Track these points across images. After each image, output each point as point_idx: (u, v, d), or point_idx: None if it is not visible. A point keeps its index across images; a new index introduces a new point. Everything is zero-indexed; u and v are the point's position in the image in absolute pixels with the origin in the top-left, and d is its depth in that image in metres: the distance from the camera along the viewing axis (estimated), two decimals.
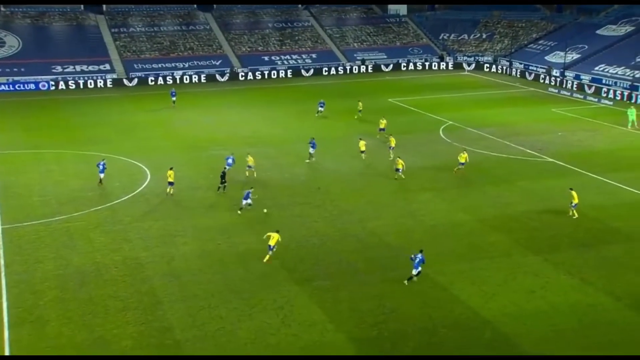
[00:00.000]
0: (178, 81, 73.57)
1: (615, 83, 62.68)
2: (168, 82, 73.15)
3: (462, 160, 39.47)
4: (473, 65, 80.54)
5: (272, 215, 33.49)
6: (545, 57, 74.97)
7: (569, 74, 68.21)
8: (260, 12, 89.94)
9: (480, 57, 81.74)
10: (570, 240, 29.80)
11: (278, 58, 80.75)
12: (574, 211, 32.17)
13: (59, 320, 23.60)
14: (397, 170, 38.78)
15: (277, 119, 55.91)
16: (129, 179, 39.09)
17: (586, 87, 64.87)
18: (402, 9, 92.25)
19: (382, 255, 28.78)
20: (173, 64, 77.21)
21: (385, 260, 28.34)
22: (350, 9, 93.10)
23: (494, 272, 26.89)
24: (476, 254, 28.60)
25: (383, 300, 24.90)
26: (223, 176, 36.80)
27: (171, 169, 36.52)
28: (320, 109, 55.59)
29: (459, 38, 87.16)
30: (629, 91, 60.17)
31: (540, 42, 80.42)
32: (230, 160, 39.48)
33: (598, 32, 75.54)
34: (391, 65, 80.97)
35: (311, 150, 42.45)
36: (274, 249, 27.92)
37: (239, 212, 33.31)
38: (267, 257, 27.94)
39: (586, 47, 72.89)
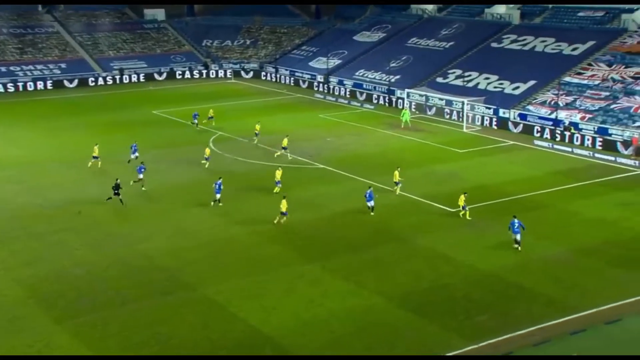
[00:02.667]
0: None
1: (375, 88, 68.37)
2: None
3: (397, 180, 38.95)
4: (239, 73, 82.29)
5: (24, 247, 30.86)
6: (309, 63, 79.21)
7: (333, 80, 72.91)
8: None
9: (246, 64, 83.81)
10: (344, 245, 31.71)
11: (19, 69, 74.72)
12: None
13: None
14: (277, 182, 38.56)
15: (23, 138, 51.77)
16: None
17: (349, 92, 69.85)
18: (160, 14, 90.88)
19: (155, 279, 28.05)
20: None
21: (159, 284, 27.66)
22: (101, 13, 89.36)
23: (274, 285, 27.63)
24: (255, 268, 29.15)
25: (158, 327, 24.23)
26: (116, 187, 36.11)
27: None
28: (195, 120, 54.54)
29: (223, 44, 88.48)
30: (387, 95, 66.02)
31: (303, 48, 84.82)
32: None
33: (355, 38, 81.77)
34: (153, 74, 79.48)
35: (140, 175, 39.38)
36: (287, 215, 33.08)
37: (212, 203, 36.22)
38: (277, 218, 33.12)
39: (346, 52, 78.49)
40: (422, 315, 25.32)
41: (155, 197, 38.33)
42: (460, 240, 32.19)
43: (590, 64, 59.47)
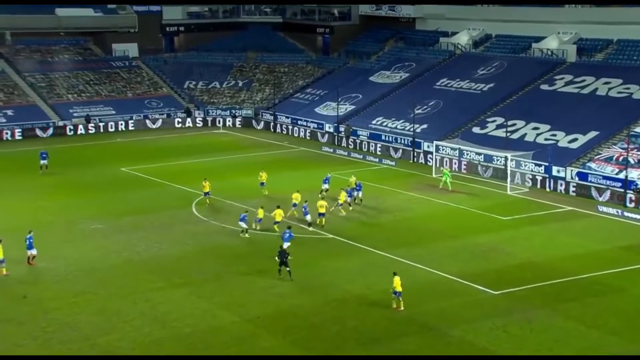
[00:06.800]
0: None
1: (396, 139, 68.95)
2: None
3: (341, 201, 46.94)
4: (229, 121, 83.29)
5: None
6: (315, 109, 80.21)
7: (345, 129, 73.64)
8: None
9: (237, 110, 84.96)
10: (358, 336, 31.45)
11: None
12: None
13: None
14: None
15: None
16: None
17: (365, 145, 70.43)
18: (132, 49, 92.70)
19: None
20: None
21: None
22: (58, 49, 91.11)
23: None
24: None
25: None
26: (283, 254, 37.50)
27: None
28: (325, 186, 52.99)
29: (210, 87, 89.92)
30: (411, 148, 66.51)
31: (308, 90, 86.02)
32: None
33: (371, 78, 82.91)
34: (123, 123, 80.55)
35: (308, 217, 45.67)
36: (400, 294, 33.46)
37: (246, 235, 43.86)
38: (395, 303, 33.75)
39: (360, 96, 79.51)
40: None
41: (120, 276, 38.28)
42: (505, 331, 31.88)
43: None
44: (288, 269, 37.37)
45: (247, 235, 44.07)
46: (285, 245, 39.36)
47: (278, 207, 45.44)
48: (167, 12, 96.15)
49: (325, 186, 52.54)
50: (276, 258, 37.68)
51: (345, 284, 37.11)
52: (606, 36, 73.30)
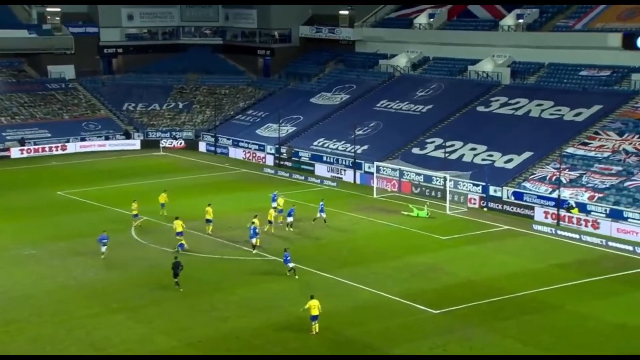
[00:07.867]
0: None
1: (337, 160, 69.26)
2: None
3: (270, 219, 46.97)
4: (169, 143, 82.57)
5: None
6: (257, 131, 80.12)
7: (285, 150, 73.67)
8: None
9: (178, 133, 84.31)
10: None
11: None
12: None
13: None
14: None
15: None
16: None
17: (306, 166, 70.54)
18: (68, 71, 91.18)
19: None
20: None
21: None
22: None
23: None
24: None
25: None
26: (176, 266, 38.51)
27: None
28: (274, 204, 52.65)
29: (149, 109, 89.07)
30: (352, 169, 66.83)
31: (249, 112, 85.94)
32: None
33: (312, 100, 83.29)
34: (59, 146, 79.12)
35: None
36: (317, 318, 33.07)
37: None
38: (313, 329, 33.10)
39: (302, 117, 79.74)
40: None
41: (55, 303, 37.48)
42: (445, 350, 32.15)
43: (597, 133, 61.48)
44: (176, 279, 38.38)
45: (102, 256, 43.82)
46: (291, 265, 40.54)
47: (177, 218, 46.22)
48: (104, 34, 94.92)
49: (275, 204, 52.51)
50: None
51: (288, 306, 36.92)
52: (538, 60, 74.98)
